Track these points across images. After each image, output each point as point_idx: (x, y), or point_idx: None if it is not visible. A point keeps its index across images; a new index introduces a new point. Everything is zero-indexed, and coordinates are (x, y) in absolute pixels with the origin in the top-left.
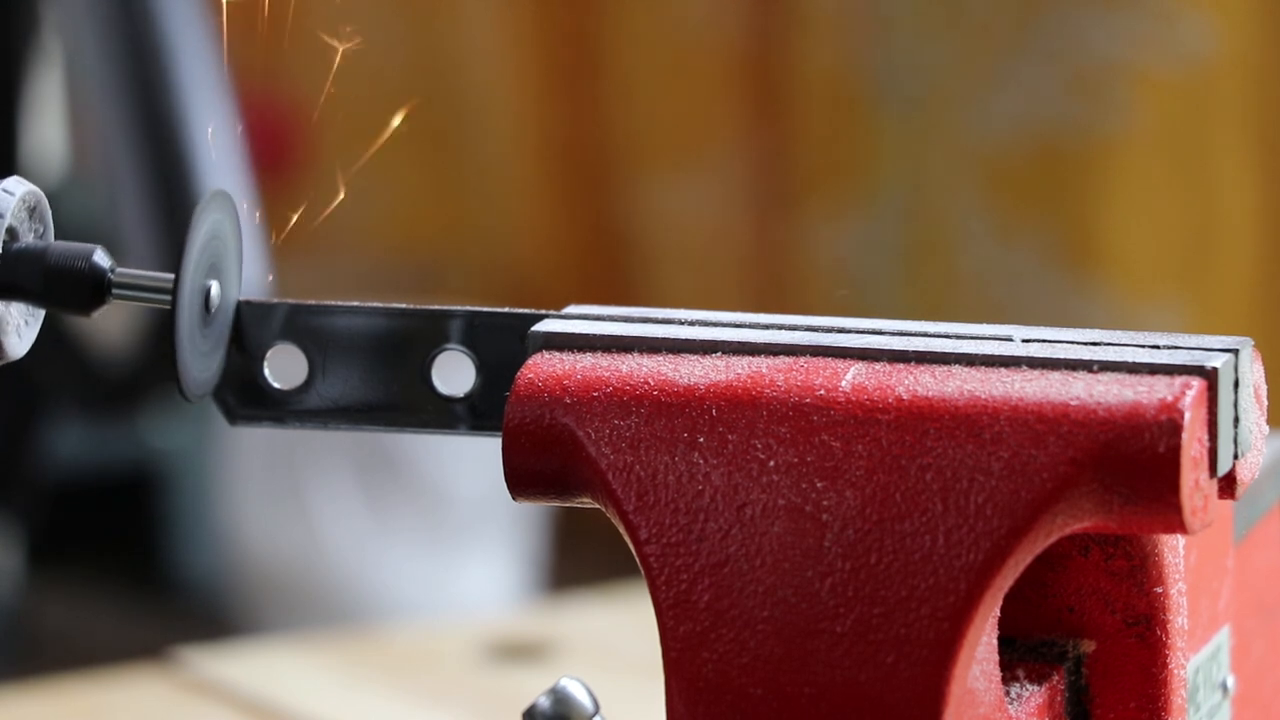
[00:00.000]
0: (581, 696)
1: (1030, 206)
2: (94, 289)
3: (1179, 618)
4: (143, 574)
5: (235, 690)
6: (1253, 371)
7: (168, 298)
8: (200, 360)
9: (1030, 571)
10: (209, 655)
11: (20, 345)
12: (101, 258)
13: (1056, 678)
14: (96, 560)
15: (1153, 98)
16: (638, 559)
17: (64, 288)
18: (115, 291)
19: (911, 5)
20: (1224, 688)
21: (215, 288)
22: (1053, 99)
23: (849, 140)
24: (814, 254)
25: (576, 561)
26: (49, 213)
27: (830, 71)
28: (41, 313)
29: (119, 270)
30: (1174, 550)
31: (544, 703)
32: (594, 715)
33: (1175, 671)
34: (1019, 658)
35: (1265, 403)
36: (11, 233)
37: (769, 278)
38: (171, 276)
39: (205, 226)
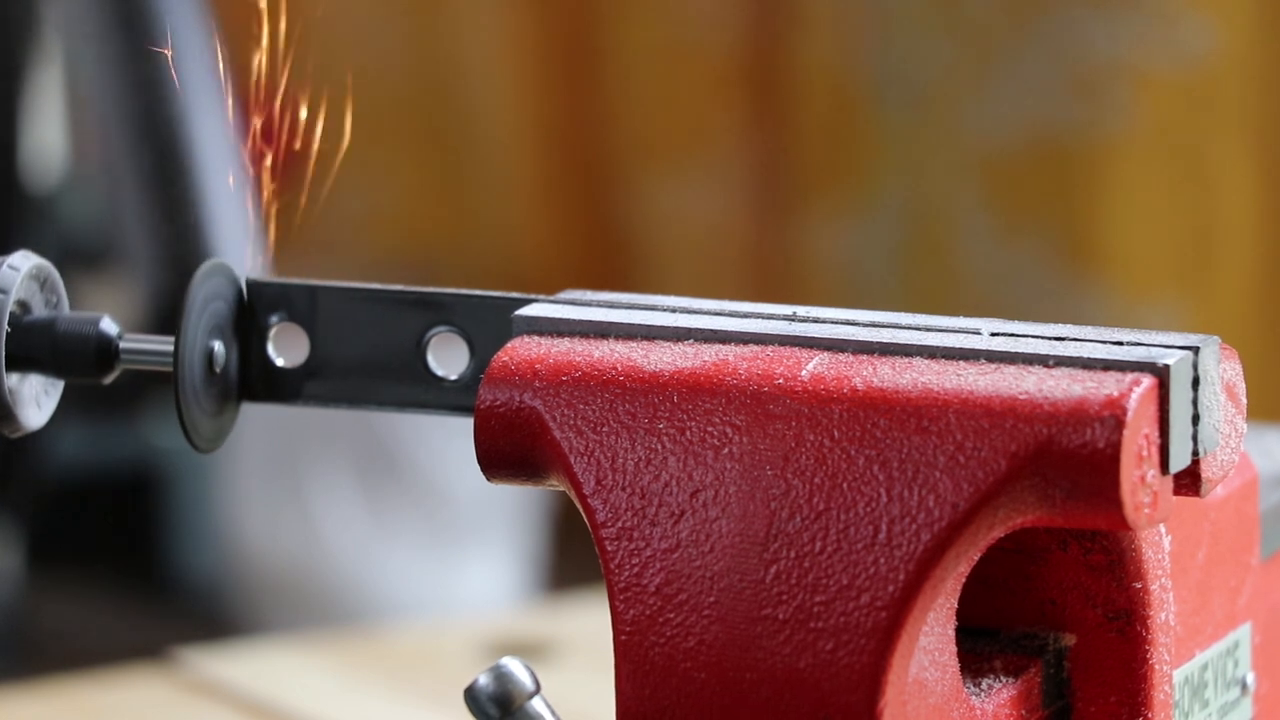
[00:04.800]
0: (522, 675)
1: (1030, 206)
2: (103, 357)
3: (1161, 613)
4: (143, 574)
5: (235, 690)
6: (1221, 369)
7: (172, 361)
8: (208, 418)
9: (1013, 564)
10: (209, 655)
11: (39, 417)
12: (109, 325)
13: (1033, 670)
14: (96, 560)
15: (1153, 98)
16: (594, 541)
17: (74, 357)
18: (123, 358)
19: (911, 5)
20: (1243, 685)
21: (219, 347)
22: (1053, 99)
23: (849, 140)
24: (814, 253)
25: (576, 561)
26: (60, 283)
27: (830, 71)
28: (60, 384)
29: (126, 336)
30: (1155, 546)
31: (484, 681)
32: (534, 694)
33: (1157, 667)
34: (1000, 650)
35: (1243, 400)
36: (24, 306)
37: (769, 277)
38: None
39: (204, 290)
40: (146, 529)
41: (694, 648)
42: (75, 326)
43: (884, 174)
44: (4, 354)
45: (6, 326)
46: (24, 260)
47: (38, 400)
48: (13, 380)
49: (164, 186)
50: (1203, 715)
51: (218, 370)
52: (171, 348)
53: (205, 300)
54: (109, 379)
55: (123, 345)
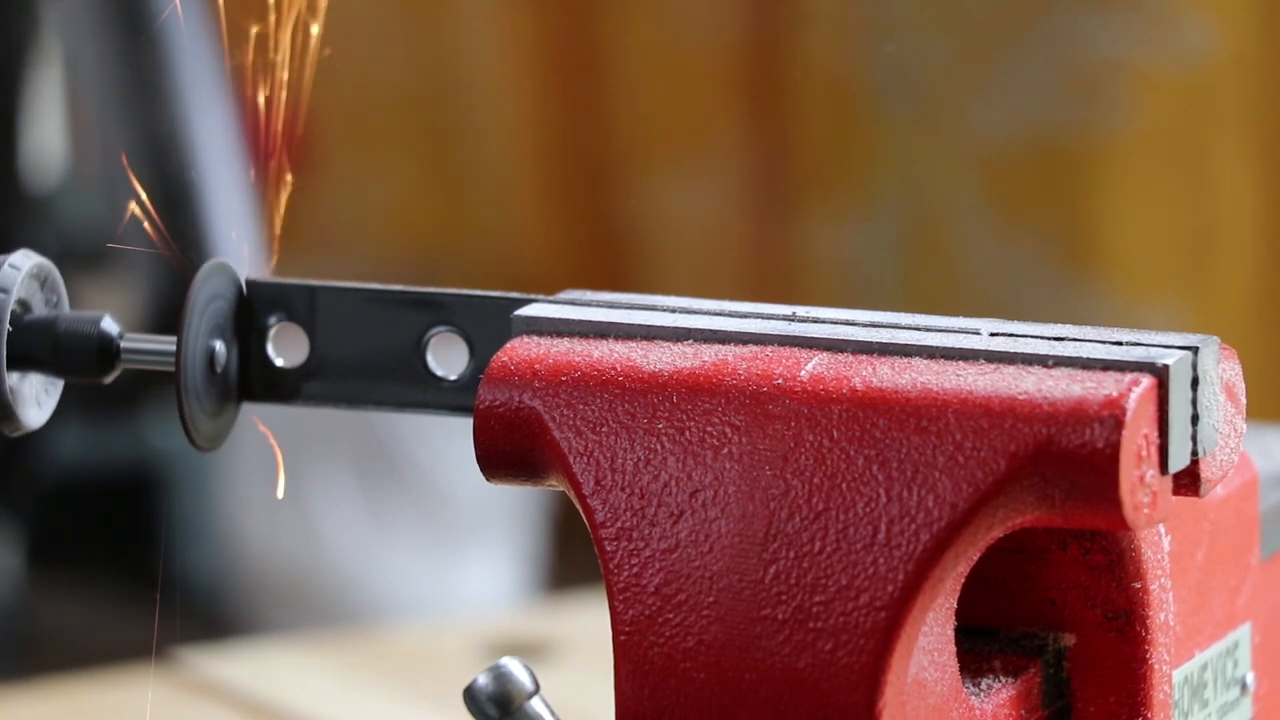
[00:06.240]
0: (521, 675)
1: (1030, 206)
2: (104, 356)
3: (1161, 613)
4: (143, 574)
5: (235, 690)
6: (1221, 369)
7: (173, 360)
8: (208, 418)
9: (1013, 564)
10: (209, 655)
11: (40, 416)
12: (110, 324)
13: (1033, 670)
14: (96, 560)
15: (1153, 98)
16: (594, 542)
17: (75, 356)
18: (125, 357)
19: (911, 5)
20: (1243, 685)
21: (220, 347)
22: (1053, 99)
23: (849, 140)
24: (813, 254)
25: (576, 561)
26: (61, 282)
27: (830, 71)
28: (61, 383)
29: (128, 335)
30: (1155, 546)
31: (483, 681)
32: (533, 694)
33: (1156, 667)
34: (999, 650)
35: (1242, 400)
36: (24, 305)
37: (768, 278)
38: (175, 339)
39: (205, 290)
40: (146, 529)
41: (693, 648)
42: (76, 326)
43: (884, 174)
44: (5, 353)
45: (8, 325)
46: (25, 259)
47: (38, 399)
48: (13, 379)
49: (164, 187)
50: (1202, 715)
51: (219, 370)
52: (172, 347)
53: (207, 300)
54: (110, 378)
55: (124, 345)
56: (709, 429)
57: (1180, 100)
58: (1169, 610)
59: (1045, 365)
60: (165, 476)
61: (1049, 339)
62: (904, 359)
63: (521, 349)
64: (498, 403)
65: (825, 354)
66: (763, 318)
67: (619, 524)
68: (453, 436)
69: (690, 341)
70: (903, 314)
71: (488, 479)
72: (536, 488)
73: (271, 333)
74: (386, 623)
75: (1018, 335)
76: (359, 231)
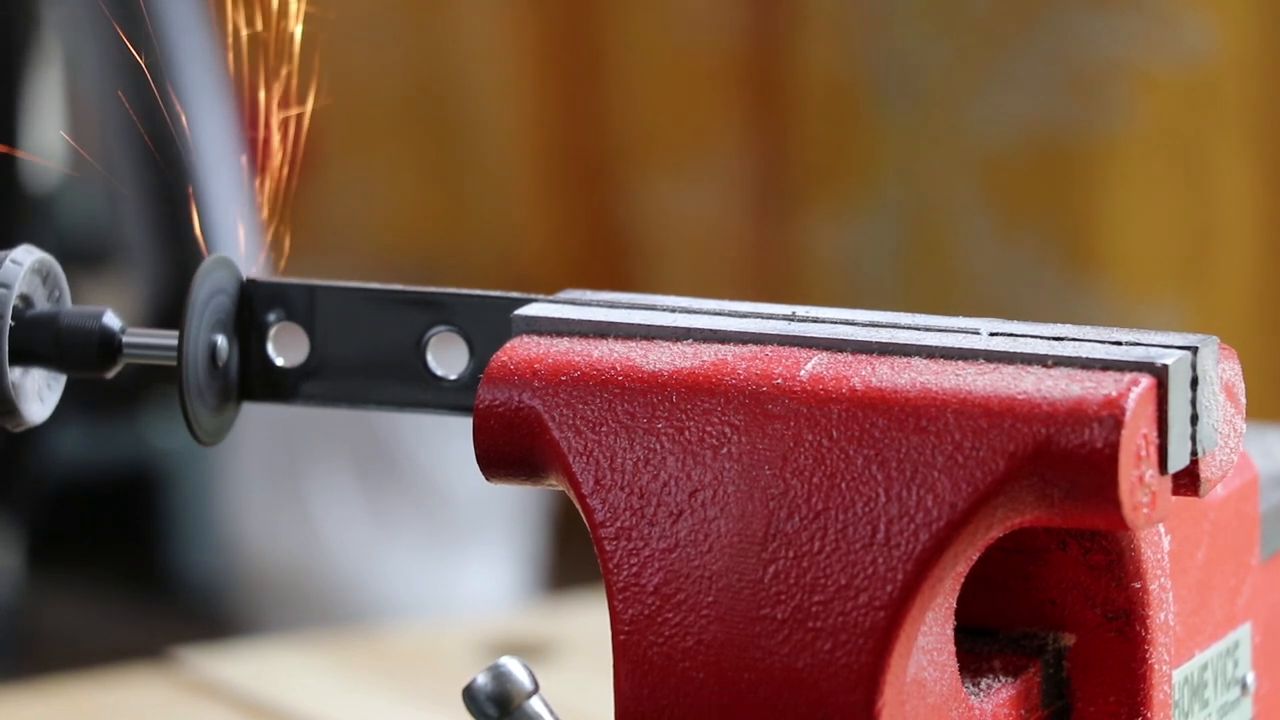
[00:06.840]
0: (520, 675)
1: (1030, 206)
2: (106, 351)
3: (1161, 613)
4: (143, 574)
5: (235, 690)
6: (1220, 369)
7: (175, 355)
8: (210, 412)
9: (1013, 564)
10: (209, 655)
11: (42, 411)
12: (111, 319)
13: (1032, 670)
14: (96, 560)
15: (1153, 98)
16: (593, 541)
17: (77, 351)
18: (127, 351)
19: (911, 5)
20: (1243, 685)
21: (222, 341)
22: (1053, 99)
23: (849, 140)
24: (814, 253)
25: (576, 561)
26: (63, 277)
27: (830, 71)
28: (63, 378)
29: (129, 330)
30: (1155, 546)
31: (483, 681)
32: (533, 694)
33: (1156, 666)
34: (999, 649)
35: (1242, 400)
36: (26, 300)
37: (768, 277)
38: (178, 334)
39: (207, 285)
40: (146, 529)
41: (692, 647)
42: (78, 321)
43: (884, 174)
44: (7, 348)
45: (10, 321)
46: (27, 255)
47: (40, 394)
48: (15, 374)
49: (164, 186)
50: (1202, 715)
51: (220, 364)
52: (174, 342)
53: (209, 295)
54: (112, 373)
55: (126, 339)
56: (709, 429)
57: (1180, 100)
58: (1169, 610)
59: (1045, 365)
60: (165, 476)
61: (1048, 339)
62: (904, 359)
63: (521, 349)
64: (497, 402)
65: (825, 354)
66: (762, 318)
67: (618, 523)
68: (453, 436)
69: (690, 341)
70: (902, 314)
71: (487, 479)
72: (536, 488)
73: (271, 332)
74: (386, 623)
75: (1017, 335)
76: (359, 231)
